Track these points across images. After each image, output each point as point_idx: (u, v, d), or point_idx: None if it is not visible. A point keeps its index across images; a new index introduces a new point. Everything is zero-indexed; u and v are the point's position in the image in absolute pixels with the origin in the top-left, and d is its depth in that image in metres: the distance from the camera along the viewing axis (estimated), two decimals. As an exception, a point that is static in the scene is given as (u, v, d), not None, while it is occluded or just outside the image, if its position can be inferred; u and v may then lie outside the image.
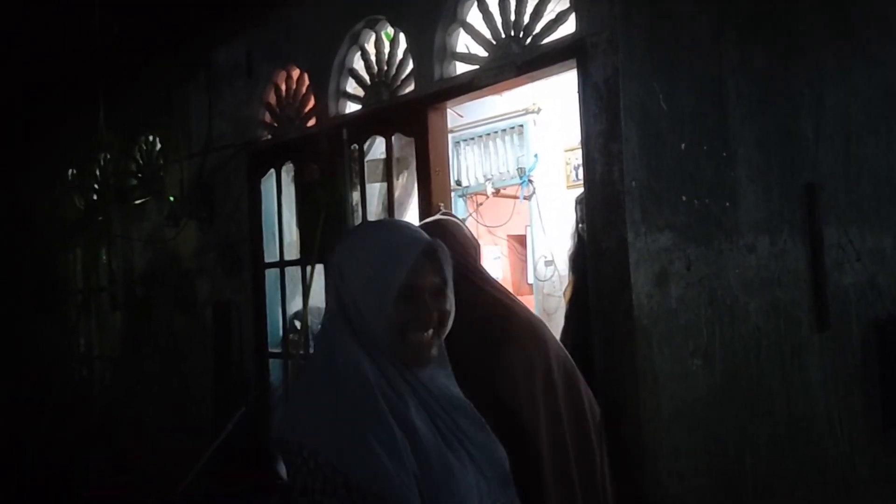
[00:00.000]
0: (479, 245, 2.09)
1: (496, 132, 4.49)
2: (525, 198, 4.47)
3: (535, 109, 4.35)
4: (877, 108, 3.20)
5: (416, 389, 1.21)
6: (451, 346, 1.33)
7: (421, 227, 2.00)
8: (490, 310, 1.89)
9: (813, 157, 2.90)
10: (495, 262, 4.82)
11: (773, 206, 2.73)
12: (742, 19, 2.71)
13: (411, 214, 3.75)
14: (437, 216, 2.24)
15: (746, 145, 2.66)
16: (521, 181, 4.43)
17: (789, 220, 2.78)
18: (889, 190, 3.22)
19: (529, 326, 1.91)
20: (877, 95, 3.21)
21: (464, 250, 1.98)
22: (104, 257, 4.85)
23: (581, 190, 3.14)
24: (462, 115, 4.34)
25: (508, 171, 4.47)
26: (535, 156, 4.39)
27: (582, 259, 2.62)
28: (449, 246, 1.80)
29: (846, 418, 2.91)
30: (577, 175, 4.27)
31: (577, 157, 4.20)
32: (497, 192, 4.57)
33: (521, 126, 4.41)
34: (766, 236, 2.69)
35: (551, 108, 4.32)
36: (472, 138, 4.57)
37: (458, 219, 2.15)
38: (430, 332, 1.22)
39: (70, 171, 5.45)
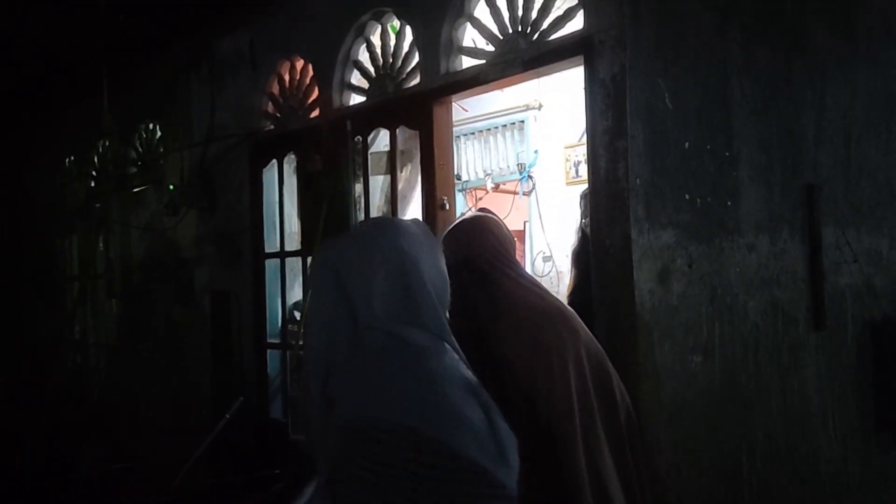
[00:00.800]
0: (514, 240, 2.15)
1: (496, 127, 4.50)
2: (524, 193, 4.48)
3: (536, 105, 4.36)
4: (877, 111, 3.23)
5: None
6: (490, 333, 1.38)
7: (460, 221, 2.08)
8: (524, 299, 1.95)
9: (813, 157, 2.93)
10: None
11: (774, 205, 2.76)
12: (747, 18, 2.73)
13: (414, 207, 3.77)
14: (475, 212, 2.31)
15: (749, 145, 2.68)
16: (520, 177, 4.44)
17: (789, 220, 2.81)
18: (887, 193, 3.25)
19: (561, 315, 1.97)
20: (878, 98, 3.24)
21: (500, 244, 2.04)
22: (102, 245, 4.83)
23: (584, 186, 3.16)
24: (467, 109, 4.35)
25: (508, 167, 4.49)
26: (535, 152, 4.40)
27: (585, 255, 2.64)
28: (486, 240, 1.89)
29: (840, 418, 2.95)
30: (576, 172, 4.28)
31: (577, 154, 4.21)
32: (496, 188, 4.58)
33: (522, 122, 4.41)
34: (767, 236, 2.71)
35: (552, 104, 4.33)
36: (473, 133, 4.58)
37: (495, 215, 2.20)
38: None
39: (69, 158, 5.43)
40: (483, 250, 1.99)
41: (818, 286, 2.86)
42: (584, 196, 3.05)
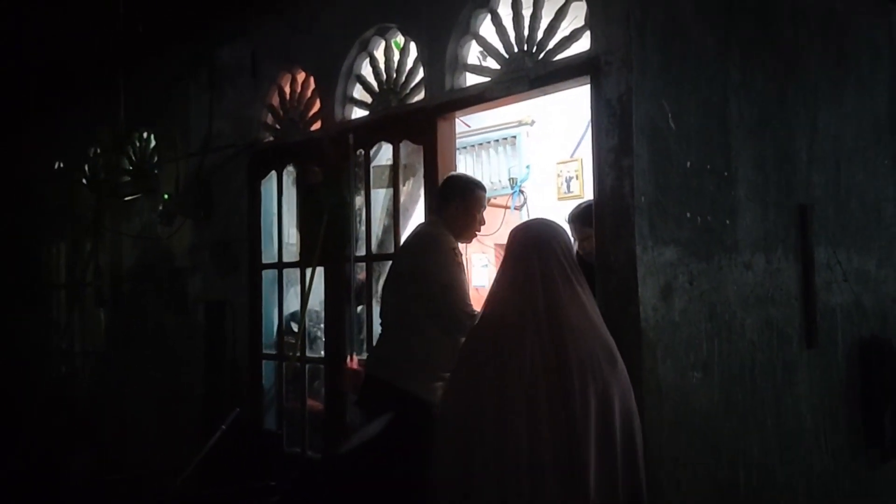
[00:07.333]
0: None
1: (489, 142, 4.54)
2: (516, 208, 4.52)
3: (529, 122, 4.41)
4: (865, 133, 3.32)
5: None
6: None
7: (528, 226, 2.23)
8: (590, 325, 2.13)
9: (806, 178, 3.00)
10: (483, 270, 4.86)
11: (769, 224, 2.82)
12: (745, 41, 2.79)
13: (416, 220, 3.79)
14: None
15: (745, 165, 2.74)
16: (512, 191, 4.48)
17: (783, 240, 2.87)
18: (874, 214, 3.34)
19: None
20: (866, 121, 3.33)
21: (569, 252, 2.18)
22: (91, 253, 4.78)
23: (572, 206, 3.18)
24: (469, 124, 4.38)
25: (500, 181, 4.52)
26: (528, 167, 4.44)
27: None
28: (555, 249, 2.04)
29: (831, 434, 3.01)
30: (568, 187, 4.34)
31: (569, 170, 4.27)
32: (488, 201, 4.61)
33: (515, 137, 4.45)
34: (762, 254, 2.77)
35: (545, 120, 4.38)
36: (466, 147, 4.61)
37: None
38: None
39: (57, 164, 5.36)
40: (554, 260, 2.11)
41: (811, 304, 2.93)
42: (571, 219, 3.04)
